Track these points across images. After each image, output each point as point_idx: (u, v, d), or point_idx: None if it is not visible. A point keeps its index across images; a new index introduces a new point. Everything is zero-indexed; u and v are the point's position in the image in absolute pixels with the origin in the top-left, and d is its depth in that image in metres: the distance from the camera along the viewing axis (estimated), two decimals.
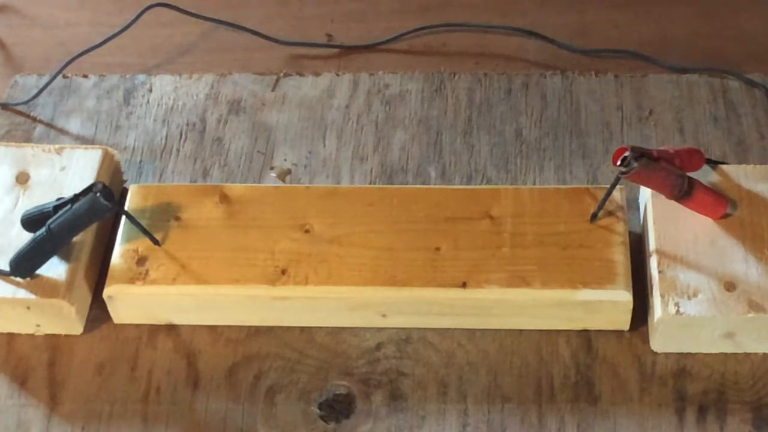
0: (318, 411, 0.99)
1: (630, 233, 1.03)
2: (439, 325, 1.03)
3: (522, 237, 1.02)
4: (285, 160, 1.16)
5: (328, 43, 1.28)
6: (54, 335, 1.05)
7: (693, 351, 1.00)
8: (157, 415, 1.00)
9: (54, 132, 1.20)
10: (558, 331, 1.02)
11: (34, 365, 1.03)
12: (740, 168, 1.06)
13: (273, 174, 1.15)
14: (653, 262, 1.00)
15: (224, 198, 1.07)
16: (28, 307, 1.02)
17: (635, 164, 0.97)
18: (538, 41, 1.26)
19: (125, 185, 1.14)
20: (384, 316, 1.02)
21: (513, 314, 1.01)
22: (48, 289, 1.02)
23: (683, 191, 1.00)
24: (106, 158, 1.11)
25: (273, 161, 1.16)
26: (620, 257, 1.00)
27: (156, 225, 1.05)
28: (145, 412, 1.00)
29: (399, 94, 1.21)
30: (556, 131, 1.17)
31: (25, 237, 1.02)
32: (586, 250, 1.01)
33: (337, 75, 1.23)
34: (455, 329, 1.03)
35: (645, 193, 1.05)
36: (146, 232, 1.03)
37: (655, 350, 1.01)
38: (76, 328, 1.04)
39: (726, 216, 1.02)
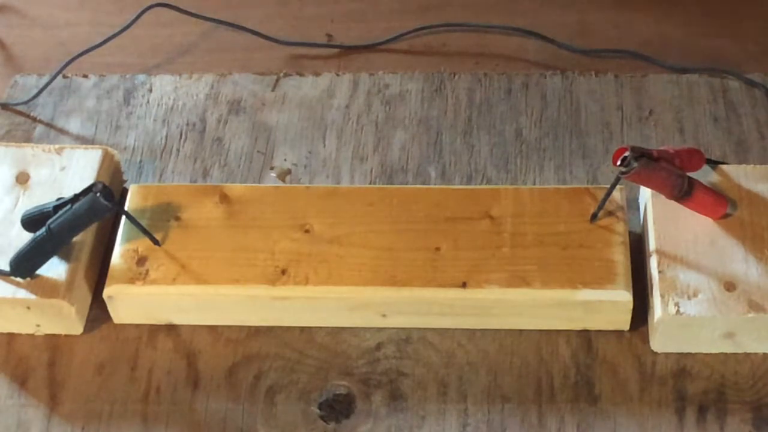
0: (318, 411, 0.99)
1: (630, 233, 1.03)
2: (439, 325, 1.03)
3: (522, 237, 1.02)
4: (285, 160, 1.16)
5: (328, 43, 1.28)
6: (54, 335, 1.05)
7: (693, 351, 1.00)
8: (157, 415, 1.00)
9: (54, 132, 1.20)
10: (558, 331, 1.02)
11: (34, 365, 1.03)
12: (740, 168, 1.06)
13: (273, 174, 1.15)
14: (653, 262, 1.00)
15: (224, 198, 1.07)
16: (28, 307, 1.02)
17: (635, 164, 0.97)
18: (538, 41, 1.26)
19: (125, 185, 1.14)
20: (384, 316, 1.02)
21: (513, 314, 1.01)
22: (48, 289, 1.02)
23: (683, 191, 1.00)
24: (106, 158, 1.11)
25: (273, 161, 1.16)
26: (620, 257, 1.00)
27: (156, 225, 1.05)
28: (145, 412, 1.00)
29: (399, 94, 1.21)
30: (556, 131, 1.17)
31: (25, 237, 1.02)
32: (586, 250, 1.01)
33: (337, 75, 1.23)
34: (455, 329, 1.03)
35: (645, 193, 1.05)
36: (146, 232, 1.03)
37: (655, 350, 1.01)
38: (76, 328, 1.04)
39: (726, 216, 1.02)
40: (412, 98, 1.21)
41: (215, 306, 1.03)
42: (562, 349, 1.01)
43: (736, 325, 0.97)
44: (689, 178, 1.00)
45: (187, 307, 1.03)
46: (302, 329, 1.04)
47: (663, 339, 0.99)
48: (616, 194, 1.03)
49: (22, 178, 1.09)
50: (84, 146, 1.12)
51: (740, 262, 0.99)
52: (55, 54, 1.28)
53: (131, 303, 1.03)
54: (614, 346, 1.01)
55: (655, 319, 0.98)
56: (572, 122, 1.17)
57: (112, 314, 1.04)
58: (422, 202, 1.05)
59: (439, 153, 1.16)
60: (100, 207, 0.99)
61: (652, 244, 1.01)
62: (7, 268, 1.02)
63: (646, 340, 1.01)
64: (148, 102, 1.22)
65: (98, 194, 0.99)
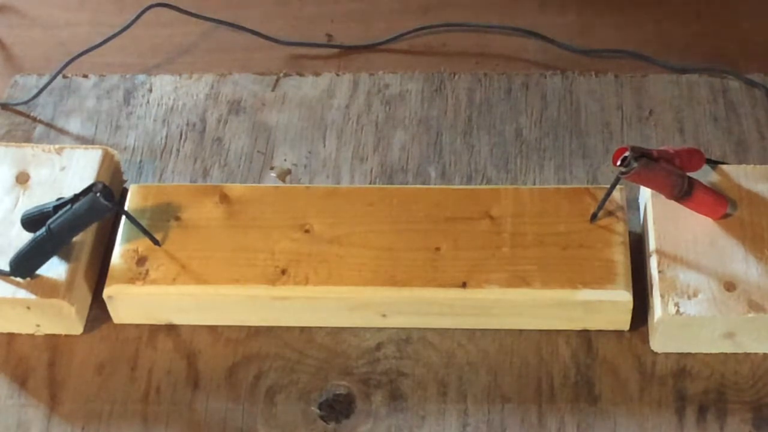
0: (318, 411, 0.99)
1: (630, 233, 1.03)
2: (439, 325, 1.03)
3: (522, 237, 1.02)
4: (285, 160, 1.16)
5: (328, 43, 1.28)
6: (54, 335, 1.05)
7: (693, 351, 1.00)
8: (157, 415, 1.00)
9: (54, 132, 1.20)
10: (558, 331, 1.02)
11: (34, 365, 1.03)
12: (740, 168, 1.06)
13: (273, 174, 1.15)
14: (653, 262, 1.00)
15: (224, 198, 1.07)
16: (28, 307, 1.02)
17: (635, 164, 0.97)
18: (538, 41, 1.26)
19: (125, 185, 1.14)
20: (384, 316, 1.02)
21: (513, 314, 1.01)
22: (48, 289, 1.02)
23: (683, 191, 1.00)
24: (106, 158, 1.11)
25: (273, 161, 1.16)
26: (620, 257, 1.00)
27: (156, 225, 1.05)
28: (145, 412, 1.00)
29: (399, 94, 1.21)
30: (556, 131, 1.17)
31: (25, 237, 1.02)
32: (586, 250, 1.01)
33: (337, 75, 1.23)
34: (455, 329, 1.03)
35: (645, 193, 1.05)
36: (146, 232, 1.03)
37: (655, 350, 1.01)
38: (76, 328, 1.04)
39: (726, 216, 1.02)
40: (412, 98, 1.21)
41: (215, 306, 1.03)
42: (562, 349, 1.01)
43: (736, 325, 0.97)
44: (689, 178, 1.00)
45: (187, 307, 1.03)
46: (302, 329, 1.04)
47: (663, 339, 0.99)
48: (616, 194, 1.03)
49: (22, 178, 1.09)
50: (84, 146, 1.12)
51: (740, 262, 0.99)
52: (55, 54, 1.28)
53: (131, 303, 1.03)
54: (614, 346, 1.01)
55: (655, 319, 0.98)
56: (572, 122, 1.17)
57: (112, 314, 1.04)
58: (422, 202, 1.05)
59: (439, 153, 1.16)
60: (100, 207, 0.99)
61: (652, 244, 1.01)
62: (7, 268, 1.02)
63: (646, 340, 1.01)
64: (148, 102, 1.22)
65: (98, 194, 0.99)
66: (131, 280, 1.02)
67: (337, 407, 0.99)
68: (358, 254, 1.02)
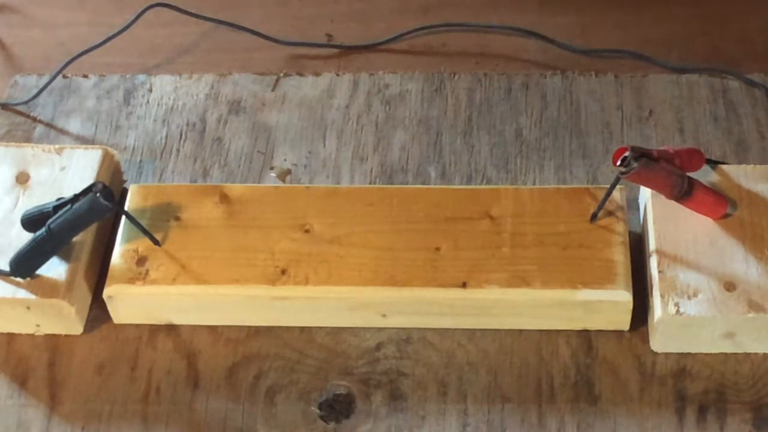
0: (318, 411, 0.99)
1: (630, 233, 1.03)
2: (439, 325, 1.03)
3: (522, 237, 1.02)
4: (285, 160, 1.16)
5: (328, 43, 1.28)
6: (54, 335, 1.05)
7: (693, 351, 1.00)
8: (157, 415, 1.00)
9: (54, 132, 1.20)
10: (558, 331, 1.02)
11: (34, 365, 1.03)
12: (740, 168, 1.06)
13: (273, 174, 1.15)
14: (653, 262, 1.00)
15: (224, 198, 1.07)
16: (28, 307, 1.02)
17: (635, 164, 0.97)
18: (538, 41, 1.26)
19: (125, 185, 1.14)
20: (384, 316, 1.02)
21: (513, 314, 1.01)
22: (48, 289, 1.02)
23: (683, 191, 1.00)
24: (106, 158, 1.11)
25: (273, 161, 1.16)
26: (620, 257, 1.00)
27: (156, 225, 1.05)
28: (145, 412, 1.00)
29: (399, 94, 1.21)
30: (556, 131, 1.17)
31: (25, 237, 1.02)
32: (586, 250, 1.01)
33: (337, 75, 1.23)
34: (455, 329, 1.03)
35: (645, 193, 1.05)
36: (146, 232, 1.03)
37: (655, 350, 1.01)
38: (76, 328, 1.04)
39: (726, 216, 1.02)
40: (412, 98, 1.21)
41: (215, 306, 1.03)
42: (562, 349, 1.01)
43: (736, 325, 0.97)
44: (689, 178, 1.00)
45: (187, 307, 1.03)
46: (302, 329, 1.04)
47: (663, 339, 0.99)
48: (616, 194, 1.03)
49: (22, 178, 1.09)
50: (84, 146, 1.12)
51: (740, 262, 0.99)
52: (55, 54, 1.28)
53: (131, 303, 1.03)
54: (614, 346, 1.01)
55: (655, 319, 0.98)
56: (572, 122, 1.17)
57: (112, 314, 1.04)
58: (422, 202, 1.05)
59: (439, 153, 1.16)
60: (100, 207, 0.99)
61: (652, 244, 1.01)
62: (7, 268, 1.02)
63: (646, 340, 1.01)
64: (148, 102, 1.22)
65: (98, 194, 0.99)
66: (131, 280, 1.02)
67: (337, 407, 0.99)
68: (358, 254, 1.02)
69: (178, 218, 1.05)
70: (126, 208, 1.06)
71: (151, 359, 1.03)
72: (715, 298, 0.97)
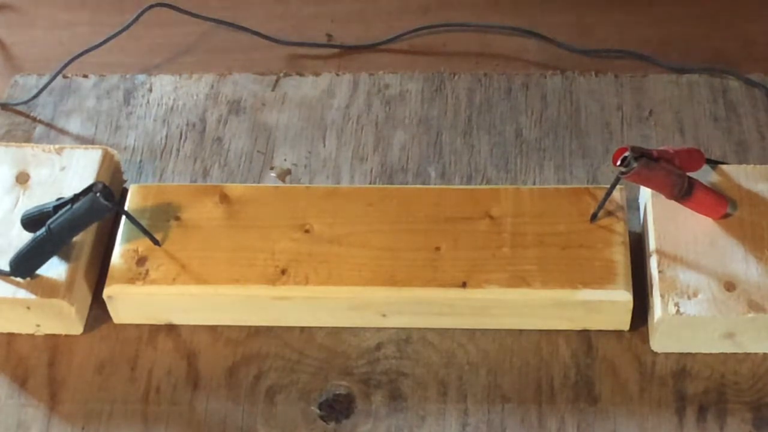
0: (318, 411, 0.99)
1: (630, 233, 1.03)
2: (439, 325, 1.03)
3: (522, 237, 1.02)
4: (285, 160, 1.16)
5: (328, 43, 1.28)
6: (54, 335, 1.05)
7: (693, 351, 1.00)
8: (157, 415, 1.00)
9: (54, 132, 1.20)
10: (558, 331, 1.02)
11: (34, 365, 1.03)
12: (740, 168, 1.06)
13: (273, 174, 1.15)
14: (653, 262, 1.00)
15: (224, 198, 1.07)
16: (28, 307, 1.02)
17: (635, 164, 0.97)
18: (538, 41, 1.26)
19: (125, 185, 1.14)
20: (384, 316, 1.02)
21: (513, 314, 1.01)
22: (48, 289, 1.02)
23: (683, 191, 1.00)
24: (106, 158, 1.11)
25: (273, 161, 1.16)
26: (620, 257, 1.00)
27: (156, 225, 1.05)
28: (145, 412, 1.00)
29: (399, 94, 1.21)
30: (556, 131, 1.17)
31: (25, 237, 1.02)
32: (586, 250, 1.01)
33: (337, 75, 1.23)
34: (455, 329, 1.03)
35: (645, 193, 1.05)
36: (146, 232, 1.03)
37: (655, 350, 1.01)
38: (76, 328, 1.04)
39: (726, 216, 1.02)
40: (412, 98, 1.21)
41: (215, 306, 1.03)
42: (562, 349, 1.01)
43: (736, 325, 0.97)
44: (689, 178, 1.00)
45: (187, 307, 1.03)
46: (302, 329, 1.04)
47: (663, 339, 0.99)
48: (616, 194, 1.03)
49: (22, 178, 1.09)
50: (84, 146, 1.12)
51: (740, 262, 0.99)
52: (55, 54, 1.28)
53: (131, 303, 1.03)
54: (614, 346, 1.01)
55: (655, 319, 0.98)
56: (572, 122, 1.17)
57: (112, 314, 1.04)
58: (422, 202, 1.05)
59: (439, 153, 1.16)
60: (100, 207, 0.99)
61: (652, 244, 1.01)
62: (7, 268, 1.02)
63: (646, 340, 1.01)
64: (148, 102, 1.22)
65: (98, 194, 0.99)
66: (131, 280, 1.02)
67: (337, 407, 0.99)
68: (358, 254, 1.02)
69: (178, 218, 1.05)
70: (126, 208, 1.06)
71: (151, 359, 1.03)
72: (715, 298, 0.97)
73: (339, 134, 1.18)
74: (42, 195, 1.07)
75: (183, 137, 1.19)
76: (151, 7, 1.27)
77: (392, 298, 1.01)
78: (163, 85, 1.24)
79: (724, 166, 1.06)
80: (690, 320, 0.97)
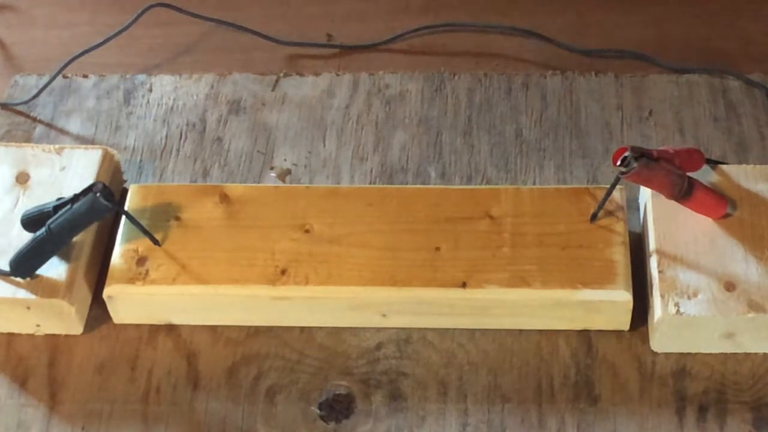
0: (318, 411, 0.99)
1: (630, 233, 1.03)
2: (439, 325, 1.03)
3: (522, 237, 1.02)
4: (285, 160, 1.16)
5: (328, 43, 1.28)
6: (54, 335, 1.05)
7: (693, 351, 1.00)
8: (157, 415, 1.00)
9: (54, 132, 1.20)
10: (558, 331, 1.02)
11: (34, 365, 1.03)
12: (740, 168, 1.06)
13: (273, 174, 1.15)
14: (653, 262, 1.00)
15: (224, 198, 1.07)
16: (28, 307, 1.02)
17: (635, 164, 0.97)
18: (538, 41, 1.26)
19: (125, 185, 1.14)
20: (384, 316, 1.02)
21: (513, 314, 1.01)
22: (48, 289, 1.02)
23: (683, 191, 1.00)
24: (106, 158, 1.11)
25: (273, 161, 1.16)
26: (620, 257, 1.00)
27: (156, 225, 1.05)
28: (145, 412, 1.00)
29: (399, 94, 1.21)
30: (556, 131, 1.17)
31: (25, 237, 1.02)
32: (586, 250, 1.01)
33: (337, 75, 1.23)
34: (455, 329, 1.03)
35: (645, 193, 1.05)
36: (146, 232, 1.03)
37: (655, 350, 1.01)
38: (76, 328, 1.04)
39: (726, 216, 1.02)
40: (412, 98, 1.21)
41: (215, 306, 1.03)
42: (562, 349, 1.01)
43: (736, 325, 0.97)
44: (689, 178, 1.00)
45: (187, 307, 1.03)
46: (302, 329, 1.04)
47: (663, 339, 0.99)
48: (616, 194, 1.03)
49: (22, 178, 1.09)
50: (84, 146, 1.13)
51: (740, 262, 0.99)
52: (55, 54, 1.28)
53: (131, 303, 1.03)
54: (614, 346, 1.01)
55: (655, 319, 0.98)
56: (572, 122, 1.17)
57: (112, 314, 1.04)
58: (422, 202, 1.05)
59: (439, 153, 1.16)
60: (100, 207, 0.99)
61: (652, 244, 1.01)
62: (7, 268, 1.02)
63: (646, 340, 1.01)
64: (148, 102, 1.22)
65: (98, 194, 0.99)
66: (131, 280, 1.02)
67: (337, 407, 0.99)
68: (358, 254, 1.02)
69: (178, 218, 1.05)
70: (126, 208, 1.06)
71: (151, 359, 1.03)
72: (715, 298, 0.97)
73: (339, 134, 1.18)
74: (42, 195, 1.07)
75: (183, 137, 1.19)
76: (151, 7, 1.27)
77: (392, 298, 1.01)
78: (163, 85, 1.24)
79: (724, 166, 1.06)
80: (690, 320, 0.97)
